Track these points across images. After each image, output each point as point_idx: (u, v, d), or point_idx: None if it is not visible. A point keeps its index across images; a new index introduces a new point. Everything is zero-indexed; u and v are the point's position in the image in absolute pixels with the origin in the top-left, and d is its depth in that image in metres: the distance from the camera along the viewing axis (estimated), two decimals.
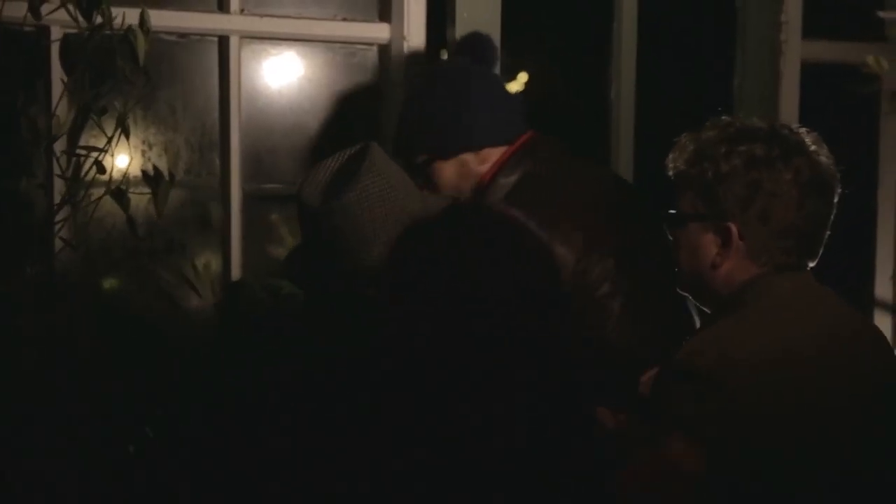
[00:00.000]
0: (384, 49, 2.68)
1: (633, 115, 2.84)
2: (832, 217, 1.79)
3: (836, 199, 1.78)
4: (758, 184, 1.71)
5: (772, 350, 1.65)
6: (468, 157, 2.21)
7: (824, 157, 1.76)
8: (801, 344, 1.68)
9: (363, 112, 2.68)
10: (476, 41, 2.34)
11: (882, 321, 3.29)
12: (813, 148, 1.75)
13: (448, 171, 2.21)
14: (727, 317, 1.73)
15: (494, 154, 2.21)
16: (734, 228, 1.73)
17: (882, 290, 3.35)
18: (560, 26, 3.00)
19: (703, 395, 1.58)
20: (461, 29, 2.59)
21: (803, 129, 1.78)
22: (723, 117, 1.81)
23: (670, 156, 1.81)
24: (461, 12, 2.61)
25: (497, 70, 2.40)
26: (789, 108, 3.00)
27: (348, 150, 1.83)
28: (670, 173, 1.81)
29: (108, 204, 2.16)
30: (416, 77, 2.28)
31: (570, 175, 2.21)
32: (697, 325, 2.11)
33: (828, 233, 1.80)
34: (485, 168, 2.20)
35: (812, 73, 3.09)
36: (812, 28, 3.08)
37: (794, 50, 3.01)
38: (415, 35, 2.63)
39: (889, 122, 3.31)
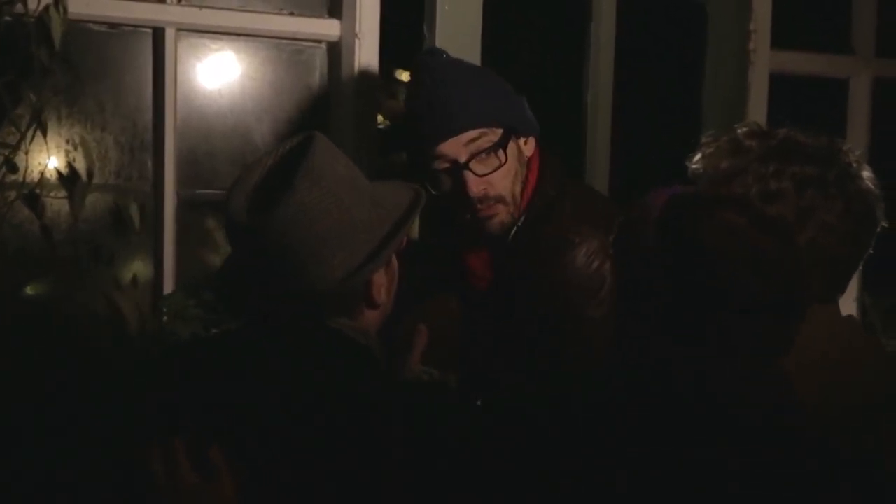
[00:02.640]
0: (334, 47, 2.55)
1: (610, 121, 2.80)
2: (870, 249, 1.66)
3: (878, 230, 1.65)
4: (810, 211, 1.57)
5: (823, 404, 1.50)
6: (521, 144, 2.03)
7: (870, 183, 1.62)
8: (844, 393, 1.55)
9: (310, 115, 2.57)
10: None
11: None
12: (858, 171, 1.61)
13: (514, 153, 1.99)
14: None
15: (531, 149, 2.05)
16: None
17: (846, 312, 3.26)
18: (538, 31, 2.91)
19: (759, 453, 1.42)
20: (442, 23, 2.49)
21: (848, 147, 1.64)
22: (754, 122, 1.67)
23: (697, 156, 1.65)
24: (442, 5, 2.51)
25: None
26: (757, 118, 2.94)
27: (288, 141, 1.56)
28: (692, 174, 1.65)
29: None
30: (442, 62, 2.06)
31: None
32: None
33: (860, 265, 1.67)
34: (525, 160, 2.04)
35: (780, 84, 3.04)
36: (782, 39, 3.03)
37: (763, 60, 2.96)
38: (368, 33, 2.51)
39: (857, 137, 3.25)
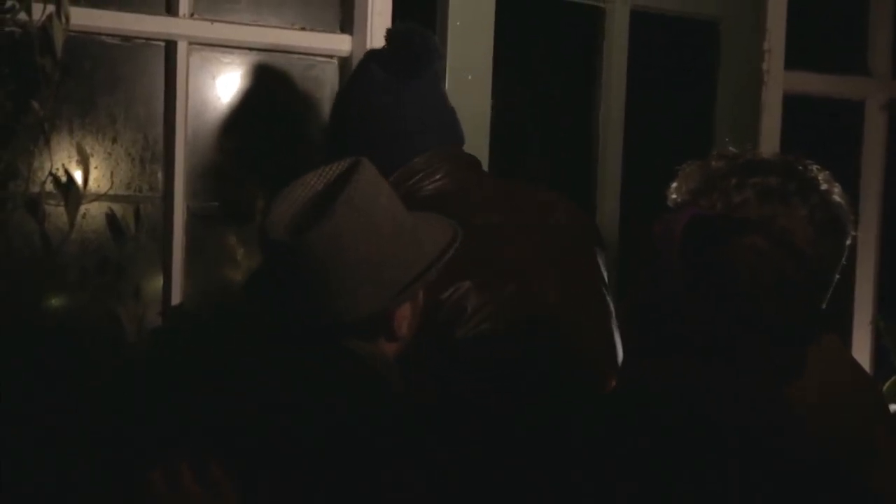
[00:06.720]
0: (345, 62, 2.55)
1: (622, 141, 2.78)
2: (843, 261, 1.67)
3: (848, 242, 1.67)
4: (771, 218, 1.59)
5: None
6: None
7: (838, 197, 1.65)
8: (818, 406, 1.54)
9: (321, 130, 2.54)
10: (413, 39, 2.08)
11: None
12: (826, 187, 1.65)
13: None
14: None
15: None
16: None
17: (860, 336, 3.24)
18: (550, 49, 2.91)
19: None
20: (454, 39, 2.50)
21: (815, 166, 1.68)
22: (730, 148, 1.71)
23: (673, 185, 1.71)
24: (454, 21, 2.51)
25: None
26: (771, 139, 2.92)
27: (335, 165, 1.55)
28: (672, 203, 1.69)
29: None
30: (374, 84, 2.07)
31: None
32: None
33: (837, 277, 1.67)
34: None
35: (794, 105, 3.01)
36: (796, 59, 3.01)
37: (777, 80, 2.94)
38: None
39: (872, 158, 3.23)
